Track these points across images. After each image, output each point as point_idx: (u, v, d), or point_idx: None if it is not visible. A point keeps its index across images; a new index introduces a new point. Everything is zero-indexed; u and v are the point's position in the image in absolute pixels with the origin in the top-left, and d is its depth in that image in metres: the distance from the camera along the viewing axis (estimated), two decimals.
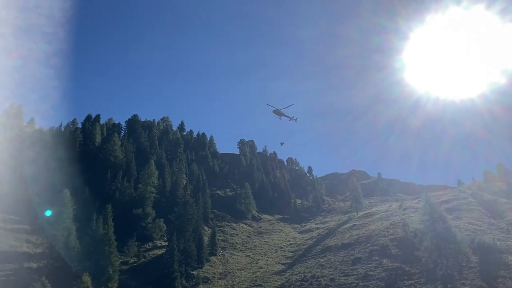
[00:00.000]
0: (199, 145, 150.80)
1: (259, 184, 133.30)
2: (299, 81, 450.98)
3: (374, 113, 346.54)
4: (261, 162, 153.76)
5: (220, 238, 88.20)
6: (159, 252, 74.59)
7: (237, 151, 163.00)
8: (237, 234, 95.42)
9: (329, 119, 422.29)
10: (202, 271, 70.51)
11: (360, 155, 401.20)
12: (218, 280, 67.71)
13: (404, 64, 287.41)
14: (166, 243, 73.04)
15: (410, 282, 53.74)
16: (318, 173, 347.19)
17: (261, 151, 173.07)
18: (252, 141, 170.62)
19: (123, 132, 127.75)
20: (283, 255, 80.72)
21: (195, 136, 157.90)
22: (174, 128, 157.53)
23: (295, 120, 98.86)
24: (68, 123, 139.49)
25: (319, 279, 61.20)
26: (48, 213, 62.02)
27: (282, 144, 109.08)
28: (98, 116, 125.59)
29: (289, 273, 67.51)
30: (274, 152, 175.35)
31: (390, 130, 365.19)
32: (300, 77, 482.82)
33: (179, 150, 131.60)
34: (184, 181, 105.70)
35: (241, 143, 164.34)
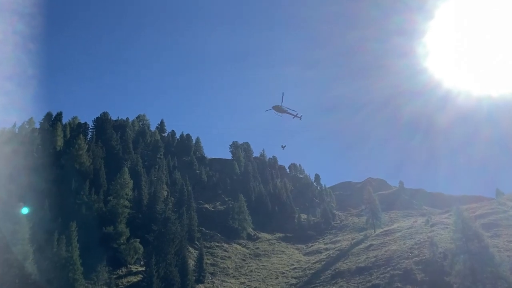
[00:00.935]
0: (183, 148, 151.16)
1: (256, 196, 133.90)
2: (304, 69, 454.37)
3: (394, 108, 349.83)
4: (258, 169, 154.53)
5: (208, 261, 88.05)
6: (134, 279, 73.98)
7: (229, 156, 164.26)
8: (229, 257, 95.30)
9: (340, 116, 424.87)
10: None
11: (378, 159, 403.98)
12: None
13: (430, 49, 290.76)
14: (143, 269, 72.76)
15: None
16: (327, 182, 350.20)
17: (258, 155, 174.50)
18: (247, 143, 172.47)
19: (90, 133, 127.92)
20: (286, 282, 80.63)
21: (178, 138, 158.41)
22: (153, 128, 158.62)
23: (300, 118, 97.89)
24: (23, 123, 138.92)
25: None
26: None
27: (283, 147, 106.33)
28: (59, 115, 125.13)
29: None
30: (273, 157, 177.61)
31: (414, 129, 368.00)
32: (305, 65, 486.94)
33: (158, 155, 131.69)
34: (165, 193, 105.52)
35: (234, 146, 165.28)
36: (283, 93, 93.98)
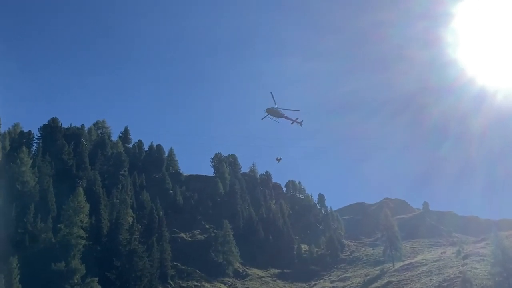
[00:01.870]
0: (153, 163, 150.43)
1: (244, 222, 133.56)
2: (306, 60, 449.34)
3: (417, 110, 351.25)
4: (247, 188, 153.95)
5: None
6: None
7: (211, 172, 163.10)
8: None
9: (350, 119, 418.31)
10: None
11: (397, 175, 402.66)
12: None
13: (460, 36, 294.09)
14: None
15: None
16: (334, 204, 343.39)
17: (247, 171, 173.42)
18: (233, 156, 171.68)
19: (35, 145, 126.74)
20: None
21: (147, 149, 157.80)
22: (114, 137, 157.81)
23: (300, 123, 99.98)
24: None
25: None
26: None
27: (279, 160, 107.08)
28: None
29: None
30: (267, 172, 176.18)
31: (442, 136, 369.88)
32: (307, 55, 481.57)
33: (122, 172, 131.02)
34: (130, 219, 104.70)
35: (217, 160, 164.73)
36: (271, 93, 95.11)
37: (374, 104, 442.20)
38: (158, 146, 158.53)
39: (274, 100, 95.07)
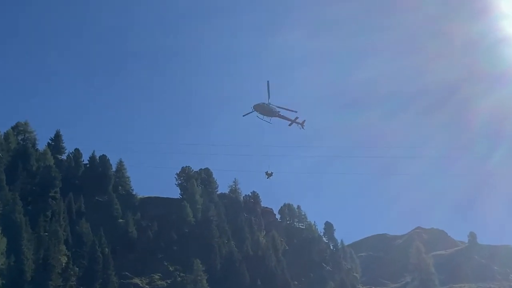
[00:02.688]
0: (96, 181, 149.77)
1: (223, 262, 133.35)
2: (313, 36, 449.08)
3: (460, 104, 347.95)
4: (227, 215, 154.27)
5: None
6: None
7: (176, 193, 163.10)
8: None
9: (369, 118, 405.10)
10: None
11: (433, 194, 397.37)
12: None
13: None
14: None
15: None
16: (346, 235, 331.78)
17: (226, 191, 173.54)
18: (207, 171, 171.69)
19: None
20: None
21: (87, 162, 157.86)
22: (41, 146, 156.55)
23: (302, 125, 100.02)
24: None
25: None
26: None
27: (269, 175, 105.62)
28: None
29: None
30: (253, 193, 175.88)
31: (493, 140, 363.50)
32: (315, 29, 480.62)
33: (52, 193, 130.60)
34: (64, 259, 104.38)
35: (185, 176, 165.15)
36: (268, 81, 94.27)
37: (401, 98, 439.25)
38: (103, 157, 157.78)
39: (269, 93, 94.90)
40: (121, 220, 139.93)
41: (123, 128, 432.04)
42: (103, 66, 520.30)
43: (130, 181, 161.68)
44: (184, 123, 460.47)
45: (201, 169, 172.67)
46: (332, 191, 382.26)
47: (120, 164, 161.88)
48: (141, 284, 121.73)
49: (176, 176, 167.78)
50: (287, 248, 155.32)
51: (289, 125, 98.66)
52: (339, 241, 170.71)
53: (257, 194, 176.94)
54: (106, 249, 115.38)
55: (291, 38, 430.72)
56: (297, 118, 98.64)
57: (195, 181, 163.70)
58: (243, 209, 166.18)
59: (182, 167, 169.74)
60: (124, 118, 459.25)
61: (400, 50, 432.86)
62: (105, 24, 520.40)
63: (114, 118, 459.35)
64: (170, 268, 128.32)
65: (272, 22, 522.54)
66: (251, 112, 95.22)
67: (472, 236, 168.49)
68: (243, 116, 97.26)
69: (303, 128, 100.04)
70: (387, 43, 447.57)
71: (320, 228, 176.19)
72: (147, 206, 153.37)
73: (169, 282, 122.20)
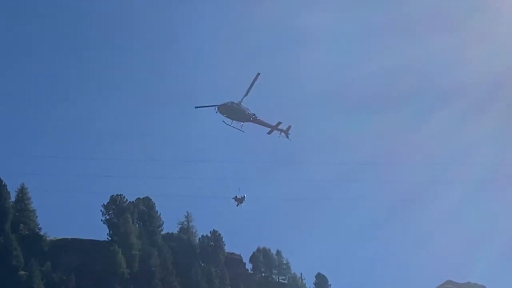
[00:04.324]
0: None
1: None
2: (310, 9, 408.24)
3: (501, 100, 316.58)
4: (175, 265, 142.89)
5: None
6: None
7: (103, 234, 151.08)
8: None
9: (385, 122, 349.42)
10: None
11: (470, 233, 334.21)
12: None
13: None
14: None
15: None
16: None
17: (175, 230, 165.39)
18: (147, 200, 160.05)
19: None
20: None
21: None
22: None
23: (286, 133, 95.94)
24: None
25: None
26: None
27: (239, 202, 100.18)
28: None
29: None
30: (214, 232, 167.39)
31: None
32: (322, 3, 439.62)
33: None
34: None
35: (116, 208, 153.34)
36: (258, 73, 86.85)
37: (434, 92, 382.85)
38: None
39: (250, 88, 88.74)
40: (22, 272, 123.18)
41: (27, 138, 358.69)
42: None
43: (37, 217, 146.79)
44: (112, 127, 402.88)
45: (138, 198, 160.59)
46: (327, 229, 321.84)
47: (22, 191, 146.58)
48: None
49: (103, 209, 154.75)
50: None
51: (269, 133, 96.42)
52: None
53: (219, 234, 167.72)
54: None
55: (282, 10, 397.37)
56: (279, 123, 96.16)
57: (130, 215, 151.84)
58: (198, 256, 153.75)
59: (111, 196, 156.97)
60: (28, 127, 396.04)
61: (433, 28, 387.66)
62: None
63: (12, 126, 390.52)
64: None
65: None
66: (207, 106, 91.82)
67: None
68: (196, 108, 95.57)
69: (287, 137, 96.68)
70: (414, 19, 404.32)
71: (310, 283, 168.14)
72: (61, 253, 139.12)
73: None
